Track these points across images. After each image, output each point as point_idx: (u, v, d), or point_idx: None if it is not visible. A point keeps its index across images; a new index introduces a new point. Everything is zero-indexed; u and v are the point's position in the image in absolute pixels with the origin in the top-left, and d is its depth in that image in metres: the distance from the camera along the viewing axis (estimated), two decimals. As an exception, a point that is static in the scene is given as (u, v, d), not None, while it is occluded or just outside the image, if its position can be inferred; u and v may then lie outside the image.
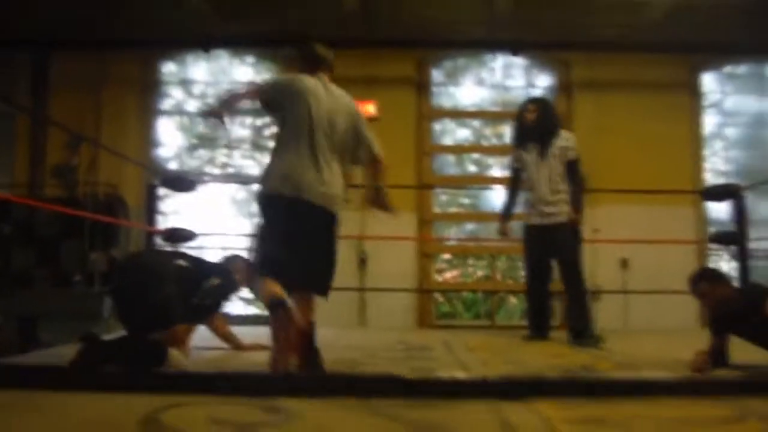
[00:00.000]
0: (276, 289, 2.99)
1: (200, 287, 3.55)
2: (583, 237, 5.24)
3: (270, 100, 3.38)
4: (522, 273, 6.68)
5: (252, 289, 3.74)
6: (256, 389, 2.59)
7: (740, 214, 6.48)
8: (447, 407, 2.37)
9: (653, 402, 2.40)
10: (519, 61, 8.89)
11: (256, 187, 3.39)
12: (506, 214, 5.26)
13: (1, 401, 2.43)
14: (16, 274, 7.75)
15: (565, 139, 4.95)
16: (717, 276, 3.45)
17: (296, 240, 3.15)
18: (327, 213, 3.24)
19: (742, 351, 3.33)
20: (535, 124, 4.94)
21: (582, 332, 4.72)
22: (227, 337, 4.02)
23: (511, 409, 2.31)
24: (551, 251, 4.94)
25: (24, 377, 2.74)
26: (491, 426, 2.15)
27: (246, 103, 3.78)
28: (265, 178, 3.27)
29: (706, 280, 3.38)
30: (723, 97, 9.04)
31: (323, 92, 3.37)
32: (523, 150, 5.02)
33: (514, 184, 5.20)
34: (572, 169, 4.92)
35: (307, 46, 3.59)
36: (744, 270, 6.32)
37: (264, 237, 3.30)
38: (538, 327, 5.01)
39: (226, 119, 3.63)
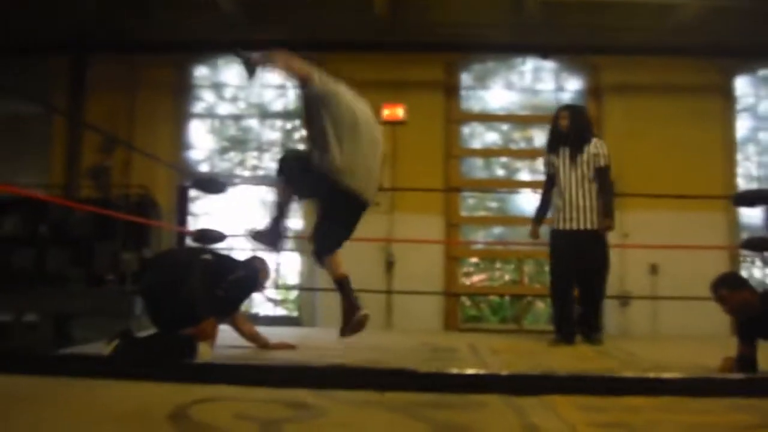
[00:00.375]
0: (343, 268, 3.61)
1: (224, 279, 3.62)
2: (609, 244, 5.25)
3: (323, 90, 3.56)
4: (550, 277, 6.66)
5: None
6: (280, 381, 2.65)
7: (773, 220, 6.39)
8: (471, 409, 2.39)
9: (676, 406, 2.39)
10: (548, 65, 8.86)
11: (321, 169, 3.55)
12: (538, 217, 5.31)
13: (33, 390, 2.51)
14: (51, 273, 7.93)
15: (596, 146, 5.00)
16: (737, 281, 3.44)
17: (350, 225, 3.73)
18: (368, 203, 3.72)
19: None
20: (567, 131, 5.01)
21: (594, 331, 4.97)
22: (253, 337, 4.08)
23: (534, 413, 2.32)
24: (578, 257, 4.96)
25: (58, 365, 2.83)
26: (513, 428, 2.17)
27: (288, 74, 3.81)
28: (333, 170, 3.52)
29: (725, 286, 3.37)
30: (757, 101, 8.90)
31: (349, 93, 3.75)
32: (555, 155, 5.08)
33: (547, 188, 5.23)
34: (602, 176, 4.98)
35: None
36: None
37: (331, 221, 3.65)
38: (564, 332, 5.00)
39: (258, 70, 3.75)
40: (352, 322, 3.57)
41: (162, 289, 3.48)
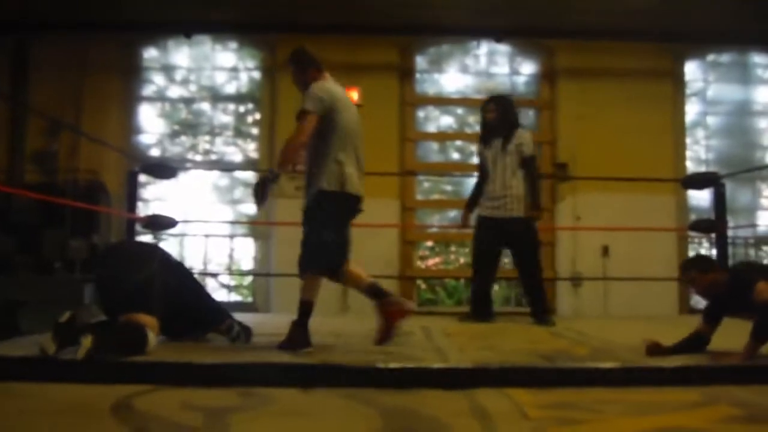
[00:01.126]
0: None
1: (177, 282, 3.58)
2: (537, 230, 5.53)
3: (325, 113, 3.60)
4: (506, 260, 6.73)
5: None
6: (230, 378, 2.59)
7: (719, 202, 6.54)
8: (421, 393, 2.38)
9: (623, 388, 2.43)
10: (503, 49, 8.88)
11: (320, 184, 3.61)
12: (470, 204, 5.64)
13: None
14: (-5, 260, 7.68)
15: (521, 136, 5.26)
16: (706, 263, 3.53)
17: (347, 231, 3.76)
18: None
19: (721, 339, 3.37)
20: (494, 122, 5.25)
21: (544, 313, 5.21)
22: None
23: (483, 395, 2.33)
24: (503, 243, 5.29)
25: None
26: (464, 410, 2.17)
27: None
28: (333, 179, 3.59)
29: (695, 268, 3.46)
30: (706, 86, 9.08)
31: (346, 97, 3.83)
32: (486, 147, 5.36)
33: (480, 179, 5.51)
34: (528, 165, 5.24)
35: (305, 51, 3.90)
36: (723, 257, 6.38)
37: (330, 229, 3.61)
38: (479, 312, 5.33)
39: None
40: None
41: (121, 279, 3.40)
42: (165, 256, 3.63)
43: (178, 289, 3.56)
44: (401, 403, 2.22)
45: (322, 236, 3.56)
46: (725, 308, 3.40)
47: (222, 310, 3.89)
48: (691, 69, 8.99)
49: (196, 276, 3.90)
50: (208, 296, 3.94)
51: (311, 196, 3.64)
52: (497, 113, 5.25)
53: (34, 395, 2.31)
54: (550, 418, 2.08)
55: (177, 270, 3.69)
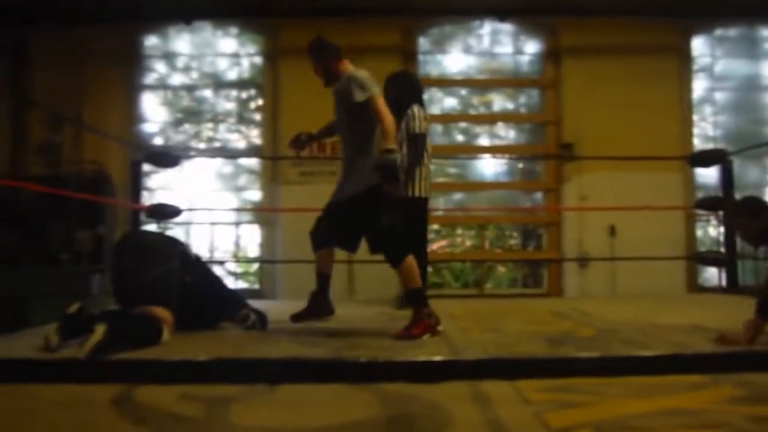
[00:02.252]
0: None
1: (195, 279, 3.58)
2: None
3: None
4: (511, 242, 6.72)
5: None
6: (235, 375, 2.55)
7: (727, 180, 6.48)
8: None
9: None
10: (506, 28, 8.78)
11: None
12: None
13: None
14: (2, 254, 7.71)
15: (412, 113, 4.89)
16: (755, 209, 3.27)
17: None
18: None
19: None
20: (394, 103, 4.66)
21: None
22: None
23: (485, 380, 2.31)
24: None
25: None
26: (464, 395, 2.15)
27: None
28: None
29: (744, 214, 3.28)
30: (713, 61, 8.96)
31: None
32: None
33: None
34: (412, 142, 4.85)
35: (325, 41, 3.86)
36: (730, 236, 6.33)
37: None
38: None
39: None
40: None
41: (133, 266, 3.39)
42: (185, 251, 3.63)
43: (196, 284, 3.57)
44: (400, 389, 2.21)
45: (397, 224, 3.65)
46: None
47: (238, 301, 3.89)
48: (698, 44, 8.86)
49: (212, 268, 3.88)
50: (224, 288, 3.93)
51: (367, 187, 3.58)
52: (390, 89, 4.84)
53: (34, 394, 2.31)
54: (551, 401, 2.06)
55: (196, 265, 3.69)
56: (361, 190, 3.59)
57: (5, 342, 3.34)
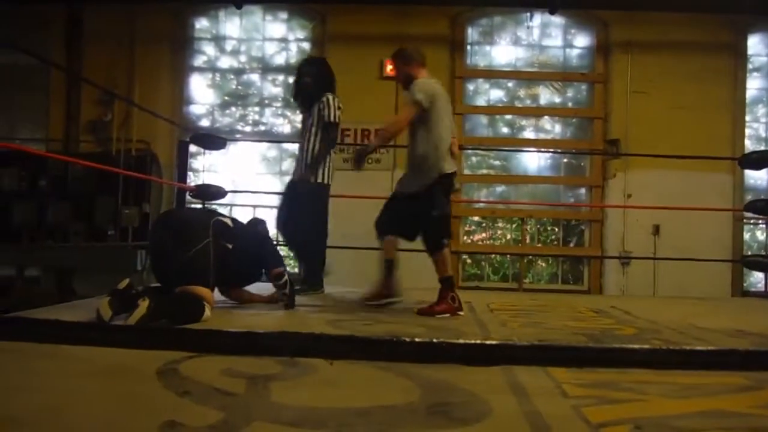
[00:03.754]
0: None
1: (236, 244, 3.62)
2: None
3: (427, 107, 4.08)
4: (552, 237, 6.66)
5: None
6: (275, 349, 2.60)
7: (779, 182, 6.30)
8: (460, 368, 2.37)
9: (667, 370, 2.37)
10: (556, 20, 8.68)
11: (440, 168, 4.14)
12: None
13: (26, 349, 2.50)
14: (52, 228, 7.95)
15: (327, 101, 4.95)
16: None
17: None
18: None
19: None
20: (309, 87, 5.04)
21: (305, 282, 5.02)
22: (249, 299, 4.10)
23: (522, 372, 2.30)
24: (292, 205, 5.06)
25: (48, 330, 2.79)
26: (501, 386, 2.15)
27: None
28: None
29: None
30: (769, 60, 8.72)
31: (444, 93, 4.28)
32: (300, 109, 5.24)
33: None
34: (324, 130, 4.96)
35: (414, 48, 4.40)
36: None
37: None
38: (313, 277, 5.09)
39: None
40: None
41: (171, 245, 3.44)
42: (218, 223, 3.60)
43: (237, 249, 3.61)
44: (439, 376, 2.22)
45: (446, 211, 4.24)
46: None
47: (276, 257, 3.96)
48: (754, 42, 8.63)
49: (251, 229, 3.89)
50: (266, 247, 3.96)
51: (431, 180, 4.09)
52: (305, 75, 5.05)
53: (82, 358, 2.38)
54: (590, 396, 2.05)
55: (235, 230, 3.68)
56: (422, 186, 4.09)
57: (54, 312, 3.45)
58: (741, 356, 2.29)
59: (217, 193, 6.44)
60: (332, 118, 4.95)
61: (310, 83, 5.04)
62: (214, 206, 5.86)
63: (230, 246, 3.56)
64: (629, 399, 2.03)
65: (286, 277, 3.88)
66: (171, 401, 1.92)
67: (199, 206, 6.06)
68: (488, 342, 2.58)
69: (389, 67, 7.94)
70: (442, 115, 4.15)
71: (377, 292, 4.27)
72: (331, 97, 4.99)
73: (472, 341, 2.52)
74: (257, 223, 3.97)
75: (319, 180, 4.96)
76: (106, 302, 3.07)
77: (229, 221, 3.69)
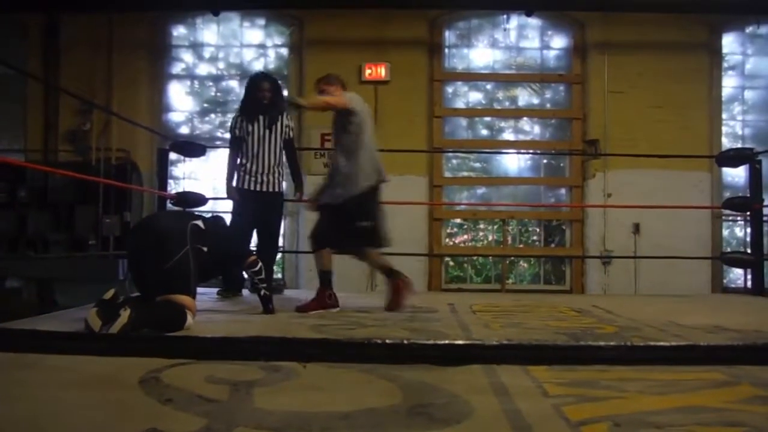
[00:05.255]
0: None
1: (210, 245, 3.63)
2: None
3: (357, 115, 4.39)
4: (533, 238, 6.70)
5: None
6: (254, 353, 2.61)
7: (755, 180, 6.39)
8: (441, 369, 2.39)
9: (645, 367, 2.41)
10: (533, 22, 8.75)
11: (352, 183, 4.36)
12: (233, 178, 5.53)
13: (7, 358, 2.48)
14: (32, 238, 7.87)
15: (288, 119, 5.45)
16: None
17: None
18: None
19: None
20: (268, 101, 5.29)
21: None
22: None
23: (504, 372, 2.33)
24: (264, 215, 5.34)
25: (30, 341, 2.77)
26: (483, 386, 2.17)
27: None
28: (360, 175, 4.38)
29: None
30: (744, 59, 8.85)
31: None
32: (249, 121, 5.34)
33: (236, 151, 5.49)
34: (291, 147, 5.49)
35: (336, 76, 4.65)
36: (758, 237, 6.25)
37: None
38: (236, 284, 5.38)
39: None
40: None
41: (150, 255, 3.42)
42: (194, 228, 3.58)
43: (210, 251, 3.62)
44: (420, 378, 2.24)
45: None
46: None
47: (246, 248, 4.04)
48: (729, 41, 8.77)
49: (225, 225, 4.00)
50: (240, 242, 4.00)
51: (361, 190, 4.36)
52: (272, 93, 5.35)
53: (63, 368, 2.37)
54: (570, 395, 2.08)
55: (206, 233, 3.66)
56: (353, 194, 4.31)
57: (36, 323, 3.43)
58: (712, 350, 2.32)
59: (197, 200, 6.43)
60: (293, 136, 5.52)
61: (270, 98, 5.31)
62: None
63: (205, 248, 3.56)
64: (608, 396, 2.06)
65: (260, 263, 3.93)
66: (154, 409, 1.92)
67: (173, 209, 6.10)
68: (459, 342, 2.59)
69: (368, 72, 7.98)
70: (371, 127, 4.48)
71: (312, 304, 4.31)
72: (291, 118, 5.56)
73: (443, 342, 2.53)
74: (219, 220, 3.99)
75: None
76: (93, 313, 3.05)
77: (201, 223, 3.67)
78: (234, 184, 5.38)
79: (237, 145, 5.42)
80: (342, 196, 4.32)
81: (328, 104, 4.44)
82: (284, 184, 5.46)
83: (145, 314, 3.11)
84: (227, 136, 9.12)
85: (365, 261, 4.69)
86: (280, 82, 5.85)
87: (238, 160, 5.38)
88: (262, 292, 3.99)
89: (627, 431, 1.72)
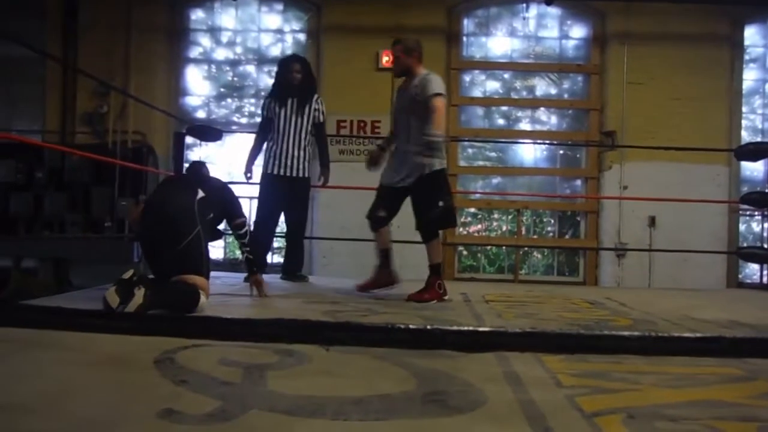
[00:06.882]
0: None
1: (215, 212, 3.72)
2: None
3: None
4: (548, 228, 6.66)
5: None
6: (269, 335, 2.63)
7: (774, 174, 6.33)
8: (453, 356, 2.39)
9: (660, 358, 2.39)
10: (553, 12, 8.66)
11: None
12: (254, 160, 5.56)
13: (26, 337, 2.51)
14: (48, 219, 7.94)
15: (317, 101, 5.33)
16: None
17: None
18: None
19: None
20: (298, 83, 5.24)
21: (294, 272, 5.44)
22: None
23: (517, 361, 2.32)
24: (288, 200, 5.31)
25: (48, 318, 2.79)
26: (497, 376, 2.17)
27: None
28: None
29: None
30: (766, 51, 8.72)
31: None
32: (279, 104, 5.26)
33: (263, 132, 5.43)
34: (321, 131, 5.37)
35: (416, 41, 4.49)
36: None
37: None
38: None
39: None
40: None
41: (162, 237, 3.44)
42: (201, 202, 3.59)
43: (214, 217, 3.74)
44: (434, 366, 2.24)
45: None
46: None
47: (238, 208, 4.02)
48: (750, 34, 8.64)
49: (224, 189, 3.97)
50: (231, 200, 4.00)
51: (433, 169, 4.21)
52: (302, 74, 5.27)
53: (78, 348, 2.39)
54: (584, 386, 2.07)
55: (210, 200, 3.69)
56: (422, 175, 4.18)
57: (52, 302, 3.46)
58: (730, 343, 2.30)
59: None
60: (324, 119, 5.39)
61: (301, 80, 5.24)
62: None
63: (211, 215, 3.63)
64: (622, 389, 2.06)
65: (246, 227, 3.93)
66: (168, 390, 1.93)
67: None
68: (480, 329, 2.57)
69: (385, 59, 7.94)
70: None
71: (372, 282, 4.44)
72: (322, 100, 5.40)
73: (467, 328, 2.52)
74: (208, 174, 3.95)
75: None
76: (113, 290, 3.08)
77: (201, 192, 3.65)
78: (262, 168, 5.37)
79: (265, 127, 5.37)
80: (439, 164, 4.19)
81: (442, 117, 4.15)
82: (308, 169, 5.33)
83: (160, 294, 3.14)
84: (243, 120, 9.26)
85: (378, 239, 4.49)
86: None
87: (265, 144, 5.36)
88: (245, 256, 3.99)
89: (641, 423, 1.71)
